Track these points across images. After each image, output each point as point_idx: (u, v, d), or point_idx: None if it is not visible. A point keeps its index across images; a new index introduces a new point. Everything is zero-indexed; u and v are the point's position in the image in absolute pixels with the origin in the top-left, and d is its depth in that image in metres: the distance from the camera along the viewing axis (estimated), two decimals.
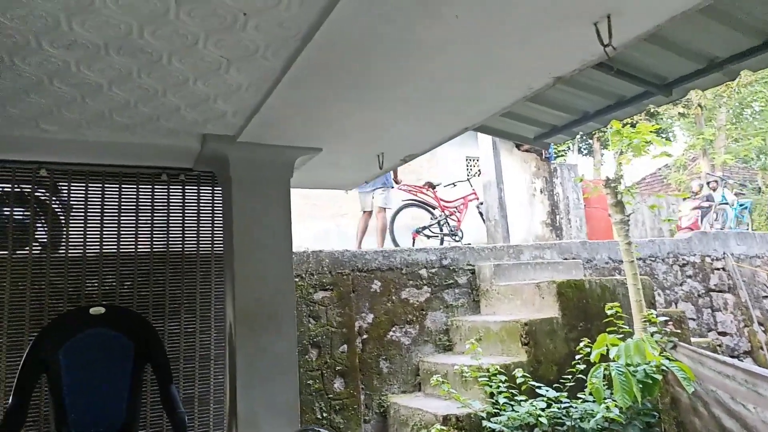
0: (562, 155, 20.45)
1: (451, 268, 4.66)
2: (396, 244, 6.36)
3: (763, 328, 6.20)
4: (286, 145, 2.86)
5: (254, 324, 2.77)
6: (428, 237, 6.59)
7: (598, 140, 18.34)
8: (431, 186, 6.69)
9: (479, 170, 8.10)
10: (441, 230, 6.55)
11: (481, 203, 7.18)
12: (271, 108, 2.37)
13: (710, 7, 2.27)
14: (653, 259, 5.85)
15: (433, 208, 6.67)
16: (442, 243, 6.56)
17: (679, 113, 13.58)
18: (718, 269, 6.29)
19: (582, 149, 23.62)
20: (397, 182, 6.40)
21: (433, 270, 4.57)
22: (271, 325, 2.79)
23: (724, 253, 6.41)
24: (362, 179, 3.90)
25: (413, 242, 6.66)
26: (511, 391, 3.34)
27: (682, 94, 2.78)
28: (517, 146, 11.06)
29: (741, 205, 9.47)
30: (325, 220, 8.82)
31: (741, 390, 2.65)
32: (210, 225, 3.27)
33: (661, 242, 6.02)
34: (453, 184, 7.26)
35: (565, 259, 5.30)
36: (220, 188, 3.28)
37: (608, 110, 3.04)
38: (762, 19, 2.36)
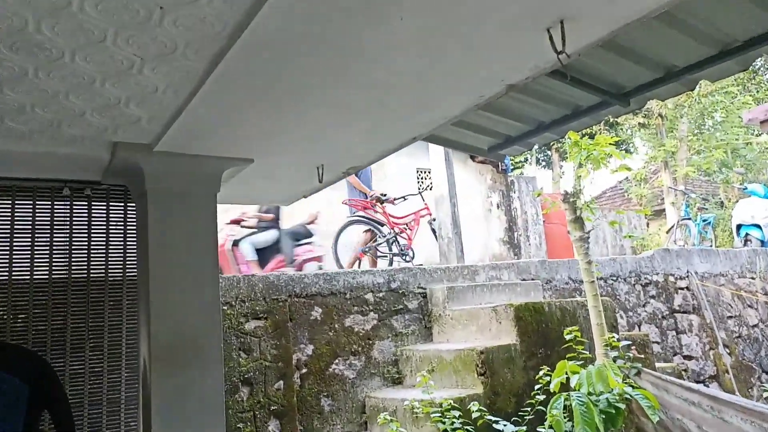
0: (519, 167, 21.08)
1: (401, 291, 4.69)
2: (339, 265, 6.38)
3: (728, 350, 6.54)
4: (212, 155, 2.81)
5: (174, 360, 2.68)
6: (377, 257, 6.67)
7: (556, 152, 19.03)
8: (379, 201, 6.77)
9: (431, 183, 8.20)
10: (390, 249, 6.63)
11: (434, 219, 7.29)
12: (193, 113, 2.33)
13: (667, 15, 2.40)
14: (615, 278, 6.07)
15: (381, 225, 6.76)
16: (391, 264, 6.60)
17: (639, 124, 14.29)
18: (682, 289, 6.60)
19: (540, 161, 24.41)
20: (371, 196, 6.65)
21: (381, 294, 4.59)
22: (194, 361, 2.72)
23: (687, 272, 6.73)
24: (301, 193, 3.88)
25: (359, 263, 6.69)
26: (466, 427, 3.36)
27: (641, 103, 2.92)
28: (472, 157, 11.31)
29: (704, 221, 10.00)
30: None
31: (707, 417, 2.77)
32: (122, 246, 3.16)
33: (622, 260, 6.26)
34: (403, 197, 7.34)
35: (524, 279, 5.42)
36: (133, 204, 3.18)
37: (565, 120, 3.15)
38: (719, 29, 2.53)
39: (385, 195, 6.92)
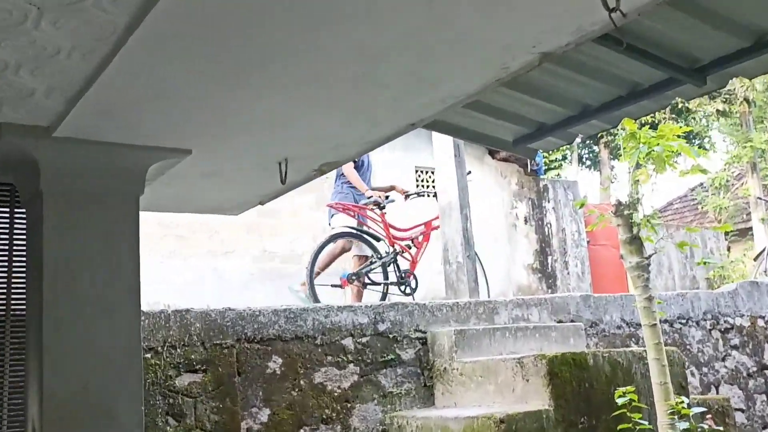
0: (556, 167, 21.22)
1: (392, 336, 4.68)
2: (314, 296, 6.32)
3: None
4: (134, 143, 2.81)
5: (73, 426, 2.64)
6: (365, 286, 6.65)
7: (606, 147, 19.19)
8: (377, 205, 6.73)
9: (434, 188, 8.21)
10: (386, 277, 6.60)
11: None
12: (109, 85, 2.31)
13: None
14: (684, 321, 6.09)
15: (377, 240, 6.73)
16: (384, 298, 6.56)
17: (717, 111, 14.43)
18: None
19: (584, 159, 24.58)
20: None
21: (364, 339, 4.58)
22: (103, 428, 2.68)
23: None
24: (257, 198, 3.88)
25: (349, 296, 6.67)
26: None
27: (721, 82, 2.94)
28: (491, 153, 11.37)
29: None
30: (199, 261, 8.71)
31: None
32: (5, 266, 3.13)
33: (694, 297, 6.29)
34: (417, 194, 7.36)
35: (560, 321, 5.42)
36: (22, 209, 3.15)
37: (618, 104, 3.16)
38: None
39: (388, 196, 6.88)
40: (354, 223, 6.80)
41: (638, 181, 3.93)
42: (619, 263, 8.59)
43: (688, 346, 6.01)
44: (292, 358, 4.30)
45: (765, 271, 9.70)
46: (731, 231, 16.05)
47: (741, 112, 14.72)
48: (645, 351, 3.62)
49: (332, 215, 6.97)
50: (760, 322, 6.60)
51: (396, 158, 10.46)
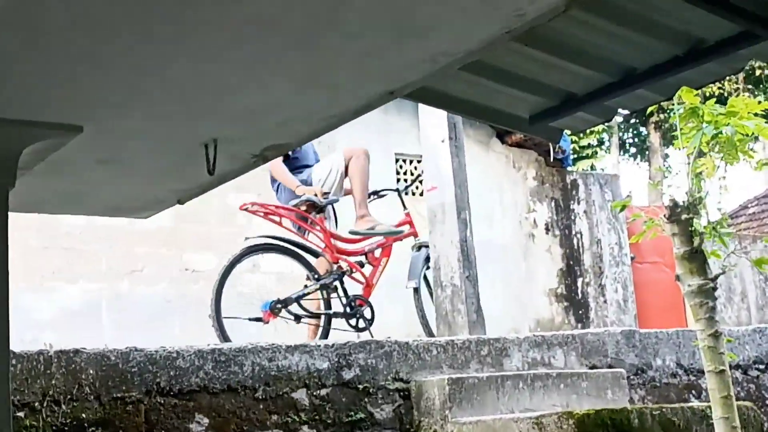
0: (589, 156, 21.32)
1: (362, 387, 4.68)
2: (223, 335, 6.20)
3: None
4: (2, 116, 2.78)
5: None
6: (298, 319, 6.60)
7: (657, 129, 19.29)
8: (314, 207, 6.72)
9: (420, 181, 8.24)
10: (328, 306, 6.63)
11: (423, 246, 7.24)
12: None
13: None
14: (762, 366, 6.13)
15: (315, 255, 6.72)
16: (326, 335, 6.51)
17: None
18: None
19: (628, 146, 24.69)
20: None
21: (324, 392, 4.57)
22: None
23: None
24: (173, 196, 3.87)
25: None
26: None
27: None
28: (500, 136, 11.38)
29: None
30: (94, 283, 8.65)
31: None
32: None
33: None
34: (376, 193, 7.36)
35: (594, 367, 5.44)
36: None
37: (674, 67, 3.17)
38: None
39: (327, 195, 6.78)
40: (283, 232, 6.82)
41: (701, 174, 3.94)
42: (674, 288, 8.67)
43: (767, 401, 6.04)
44: (223, 418, 4.27)
45: None
46: None
47: None
48: (709, 407, 3.63)
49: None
50: None
51: (371, 143, 10.43)
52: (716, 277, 3.54)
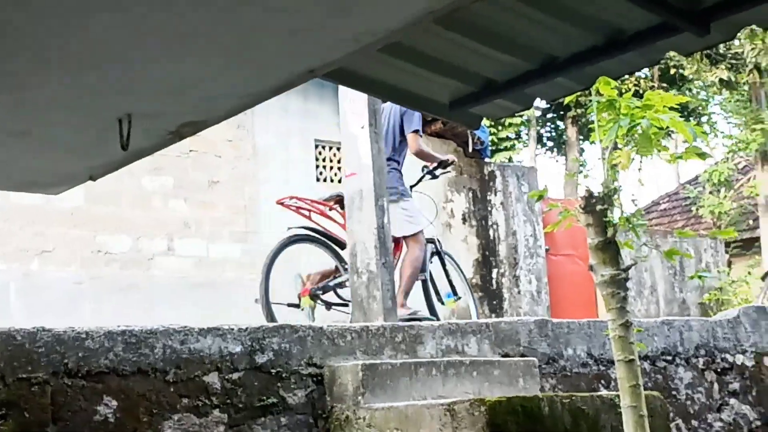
0: (507, 148, 21.48)
1: (275, 371, 4.65)
2: (271, 317, 6.68)
3: None
4: None
5: None
6: (329, 307, 7.30)
7: (574, 124, 19.53)
8: (340, 202, 7.25)
9: (338, 167, 8.22)
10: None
11: (429, 242, 7.79)
12: None
13: None
14: (670, 358, 6.23)
15: (342, 246, 7.28)
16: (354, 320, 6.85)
17: (721, 81, 14.87)
18: None
19: (546, 139, 24.98)
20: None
21: (236, 376, 4.54)
22: None
23: None
24: (85, 172, 3.82)
25: (311, 314, 7.10)
26: None
27: (729, 32, 2.99)
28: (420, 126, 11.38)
29: None
30: (0, 264, 8.47)
31: None
32: None
33: (684, 326, 6.43)
34: (429, 173, 7.90)
35: (507, 355, 5.47)
36: None
37: (593, 56, 3.19)
38: None
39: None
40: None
41: (616, 166, 3.98)
42: (587, 280, 8.74)
43: (674, 392, 6.14)
44: (132, 401, 4.21)
45: None
46: (734, 241, 16.63)
47: (750, 84, 15.17)
48: (618, 396, 3.67)
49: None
50: (767, 361, 6.80)
51: (290, 128, 10.42)
52: (628, 267, 3.57)
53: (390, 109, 7.57)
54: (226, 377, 4.49)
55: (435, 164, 7.88)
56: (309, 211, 7.31)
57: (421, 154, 7.86)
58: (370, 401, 4.59)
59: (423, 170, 7.74)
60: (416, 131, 7.61)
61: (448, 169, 7.89)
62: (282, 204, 7.34)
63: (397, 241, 7.29)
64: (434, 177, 8.04)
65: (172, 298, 8.83)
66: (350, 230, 6.98)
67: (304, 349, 4.76)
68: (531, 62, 3.36)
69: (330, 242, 7.30)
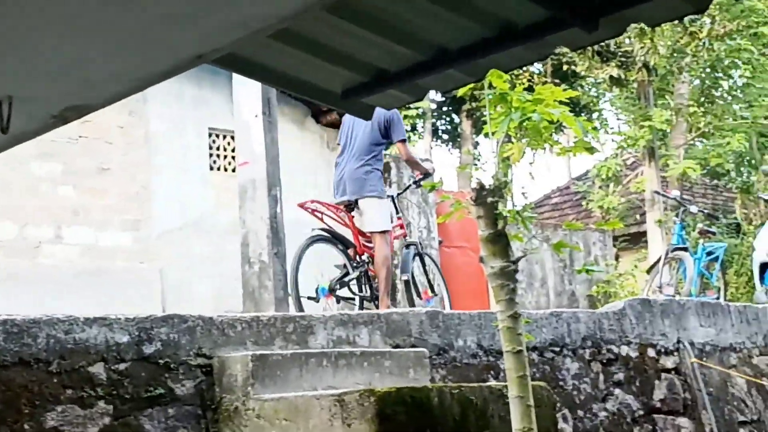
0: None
1: (162, 362, 4.58)
2: (300, 308, 7.19)
3: None
4: None
5: None
6: (339, 301, 7.86)
7: (469, 117, 19.70)
8: (348, 206, 7.81)
9: (233, 156, 8.16)
10: (360, 290, 7.88)
11: (411, 245, 8.48)
12: None
13: None
14: (557, 349, 6.31)
15: (347, 246, 7.87)
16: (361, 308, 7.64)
17: (611, 78, 15.16)
18: (668, 371, 7.01)
19: (441, 132, 25.15)
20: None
21: (122, 366, 4.45)
22: None
23: (679, 342, 7.17)
24: None
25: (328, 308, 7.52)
26: None
27: (618, 28, 3.03)
28: (315, 115, 11.32)
29: (708, 254, 10.76)
30: None
31: None
32: None
33: (572, 318, 6.52)
34: (415, 183, 8.62)
35: (398, 346, 5.48)
36: None
37: (484, 49, 3.19)
38: None
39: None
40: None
41: (508, 159, 4.00)
42: (480, 272, 8.83)
43: (560, 382, 6.22)
44: (13, 392, 4.11)
45: (660, 287, 10.26)
46: (622, 235, 16.99)
47: (639, 82, 15.48)
48: (506, 387, 3.69)
49: None
50: (651, 352, 6.95)
51: (183, 115, 10.27)
52: (518, 259, 3.59)
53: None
54: (113, 368, 4.40)
55: (422, 176, 8.56)
56: (322, 214, 7.78)
57: (411, 161, 8.50)
58: (259, 392, 4.55)
59: (410, 180, 8.52)
60: (404, 140, 8.12)
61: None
62: (303, 207, 7.75)
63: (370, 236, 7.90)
64: (419, 186, 8.92)
65: (59, 287, 8.68)
66: (242, 219, 6.93)
67: (194, 340, 4.69)
68: (423, 53, 3.35)
69: (340, 243, 7.82)
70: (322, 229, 7.80)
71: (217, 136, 10.53)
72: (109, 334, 4.43)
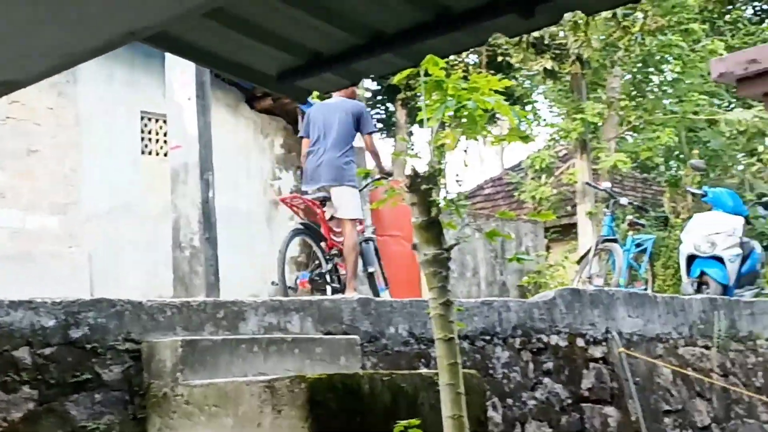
0: None
1: (90, 347, 4.53)
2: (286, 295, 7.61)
3: None
4: None
5: None
6: (314, 292, 8.27)
7: (404, 106, 19.69)
8: (322, 201, 8.25)
9: (165, 140, 8.10)
10: (331, 279, 8.35)
11: (370, 240, 8.99)
12: None
13: None
14: (488, 338, 6.35)
15: (321, 240, 8.44)
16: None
17: (546, 70, 15.27)
18: (596, 360, 7.10)
19: (376, 120, 25.13)
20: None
21: (48, 351, 4.41)
22: None
23: (607, 331, 7.26)
24: None
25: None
26: None
27: (553, 16, 3.04)
28: (249, 101, 11.24)
29: (637, 245, 10.92)
30: None
31: None
32: None
33: (503, 306, 6.57)
34: (386, 176, 8.95)
35: (329, 333, 5.48)
36: None
37: (422, 33, 3.18)
38: None
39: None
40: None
41: (442, 147, 3.99)
42: (413, 261, 8.84)
43: (491, 371, 6.26)
44: None
45: (589, 278, 10.39)
46: (553, 227, 17.15)
47: (572, 75, 15.63)
48: (437, 374, 3.69)
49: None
50: (580, 342, 7.03)
51: (115, 98, 10.12)
52: (450, 247, 3.59)
53: (343, 107, 8.43)
54: (38, 352, 4.36)
55: (384, 174, 8.94)
56: (299, 208, 8.40)
57: (375, 153, 8.93)
58: (189, 378, 4.52)
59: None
60: (372, 133, 8.71)
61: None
62: (284, 201, 8.77)
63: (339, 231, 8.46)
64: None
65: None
66: (174, 204, 6.85)
67: (122, 324, 4.65)
68: (359, 36, 3.33)
69: (316, 236, 8.38)
70: (302, 224, 8.43)
71: (150, 119, 10.38)
72: (35, 318, 4.39)
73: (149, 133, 10.36)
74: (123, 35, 2.65)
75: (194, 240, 6.57)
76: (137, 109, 10.25)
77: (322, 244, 8.36)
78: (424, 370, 5.10)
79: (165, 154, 9.19)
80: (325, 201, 8.22)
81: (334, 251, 8.36)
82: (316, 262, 8.48)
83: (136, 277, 9.28)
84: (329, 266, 8.32)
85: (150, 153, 10.29)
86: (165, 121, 9.38)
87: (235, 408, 4.23)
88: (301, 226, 8.46)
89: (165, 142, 9.29)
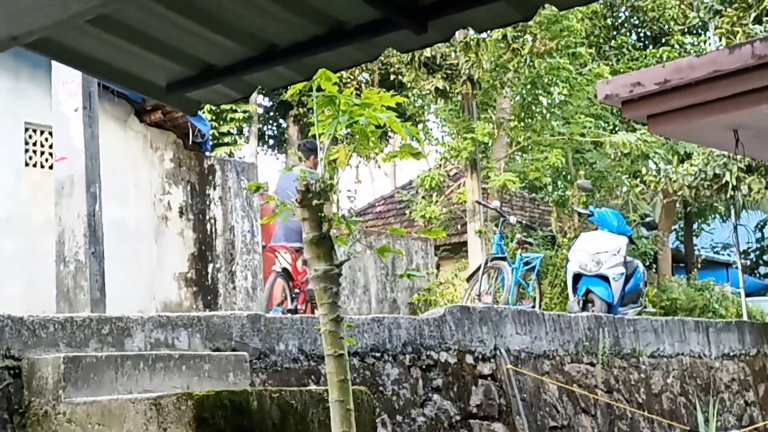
0: (229, 143, 21.34)
1: None
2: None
3: None
4: None
5: None
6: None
7: (296, 122, 19.71)
8: (299, 250, 9.20)
9: (50, 153, 7.90)
10: (295, 311, 9.25)
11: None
12: None
13: None
14: (378, 354, 6.36)
15: (290, 280, 9.68)
16: None
17: (437, 90, 15.45)
18: (485, 377, 7.18)
19: (267, 137, 25.09)
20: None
21: None
22: None
23: (495, 348, 7.35)
24: None
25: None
26: None
27: (445, 33, 3.06)
28: (138, 114, 11.06)
29: (526, 264, 11.09)
30: None
31: None
32: None
33: (394, 323, 6.60)
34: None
35: (218, 350, 5.42)
36: None
37: (314, 47, 3.17)
38: None
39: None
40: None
41: (334, 162, 3.99)
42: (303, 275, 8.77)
43: (381, 387, 6.27)
44: None
45: (479, 295, 10.51)
46: (443, 245, 17.33)
47: (463, 95, 15.86)
48: (327, 391, 3.68)
49: None
50: (469, 359, 7.10)
51: None
52: (341, 263, 3.58)
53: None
54: None
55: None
56: (280, 255, 9.72)
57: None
58: (71, 395, 4.43)
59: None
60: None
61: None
62: (270, 249, 10.27)
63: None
64: None
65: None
66: (58, 217, 6.69)
67: (2, 340, 4.54)
68: (251, 48, 3.31)
69: (289, 278, 9.68)
70: (283, 269, 9.74)
71: (34, 131, 10.10)
72: None
73: (34, 144, 10.08)
74: (5, 39, 2.57)
75: (79, 254, 6.41)
76: (21, 119, 9.97)
77: (291, 283, 9.71)
78: (314, 387, 5.08)
79: (50, 167, 8.94)
80: (301, 250, 8.80)
81: (296, 290, 9.70)
82: (287, 298, 9.71)
83: (16, 292, 9.01)
84: (294, 305, 9.60)
85: (35, 165, 10.00)
86: (51, 133, 9.16)
87: (120, 426, 4.16)
88: (280, 271, 9.79)
89: (51, 154, 9.04)
